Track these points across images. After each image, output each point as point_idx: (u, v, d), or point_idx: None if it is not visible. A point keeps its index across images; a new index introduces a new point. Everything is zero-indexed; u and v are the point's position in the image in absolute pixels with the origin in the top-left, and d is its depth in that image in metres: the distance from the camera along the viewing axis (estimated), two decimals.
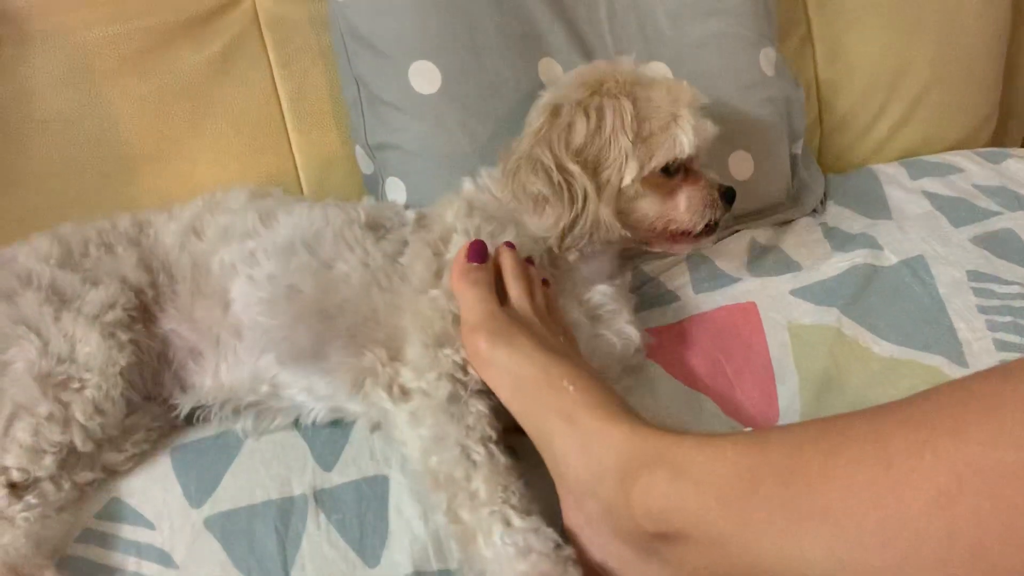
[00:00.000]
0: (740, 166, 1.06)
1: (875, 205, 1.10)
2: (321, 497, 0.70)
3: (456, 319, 0.72)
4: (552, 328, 0.73)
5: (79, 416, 0.69)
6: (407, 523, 0.68)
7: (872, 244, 0.97)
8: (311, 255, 0.81)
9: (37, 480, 0.68)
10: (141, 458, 0.75)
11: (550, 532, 0.61)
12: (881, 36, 1.24)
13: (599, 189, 0.83)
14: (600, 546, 0.61)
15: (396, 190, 1.01)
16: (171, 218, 0.86)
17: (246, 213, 0.85)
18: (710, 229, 0.89)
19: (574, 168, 0.82)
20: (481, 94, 0.98)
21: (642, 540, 0.57)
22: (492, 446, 0.66)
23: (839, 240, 1.02)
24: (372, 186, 1.06)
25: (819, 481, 0.47)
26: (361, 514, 0.69)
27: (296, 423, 0.78)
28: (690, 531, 0.53)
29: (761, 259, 1.00)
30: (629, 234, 0.86)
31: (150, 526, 0.69)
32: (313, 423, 0.77)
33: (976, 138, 1.33)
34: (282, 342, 0.77)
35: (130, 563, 0.67)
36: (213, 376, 0.79)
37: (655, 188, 0.86)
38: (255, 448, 0.75)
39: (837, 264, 0.95)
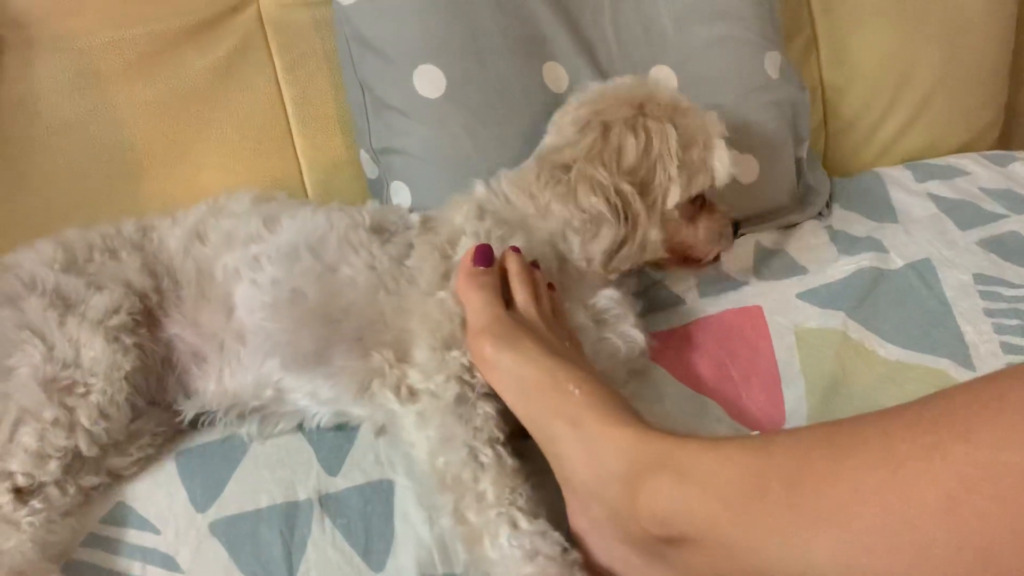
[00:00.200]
0: (745, 169, 1.05)
1: (881, 208, 1.10)
2: (326, 502, 0.70)
3: (464, 321, 0.72)
4: (558, 332, 0.72)
5: (84, 421, 0.69)
6: (412, 528, 0.68)
7: (878, 247, 0.97)
8: (315, 259, 0.81)
9: (42, 485, 0.68)
10: (146, 463, 0.75)
11: (557, 536, 0.61)
12: (886, 39, 1.24)
13: (647, 211, 0.84)
14: (606, 550, 0.60)
15: (400, 194, 1.01)
16: (175, 223, 0.86)
17: (250, 217, 0.85)
18: (716, 257, 0.92)
19: (628, 189, 0.83)
20: (486, 98, 0.98)
21: (648, 544, 0.57)
22: (499, 448, 0.66)
23: (845, 243, 1.02)
24: (377, 190, 1.06)
25: (826, 485, 0.46)
26: (366, 519, 0.69)
27: (301, 427, 0.77)
28: (696, 535, 0.53)
29: (767, 263, 1.00)
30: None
31: (155, 531, 0.69)
32: (318, 427, 0.77)
33: (982, 141, 1.32)
34: (286, 347, 0.77)
35: (135, 568, 0.67)
36: (217, 381, 0.78)
37: (681, 213, 0.88)
38: (260, 453, 0.75)
39: (843, 267, 0.95)
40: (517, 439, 0.68)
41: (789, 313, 0.89)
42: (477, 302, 0.71)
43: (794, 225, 1.11)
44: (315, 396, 0.76)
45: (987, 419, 0.42)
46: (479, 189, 0.90)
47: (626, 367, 0.82)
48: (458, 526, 0.64)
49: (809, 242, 1.04)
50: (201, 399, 0.78)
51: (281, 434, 0.77)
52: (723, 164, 0.86)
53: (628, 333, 0.82)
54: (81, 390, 0.70)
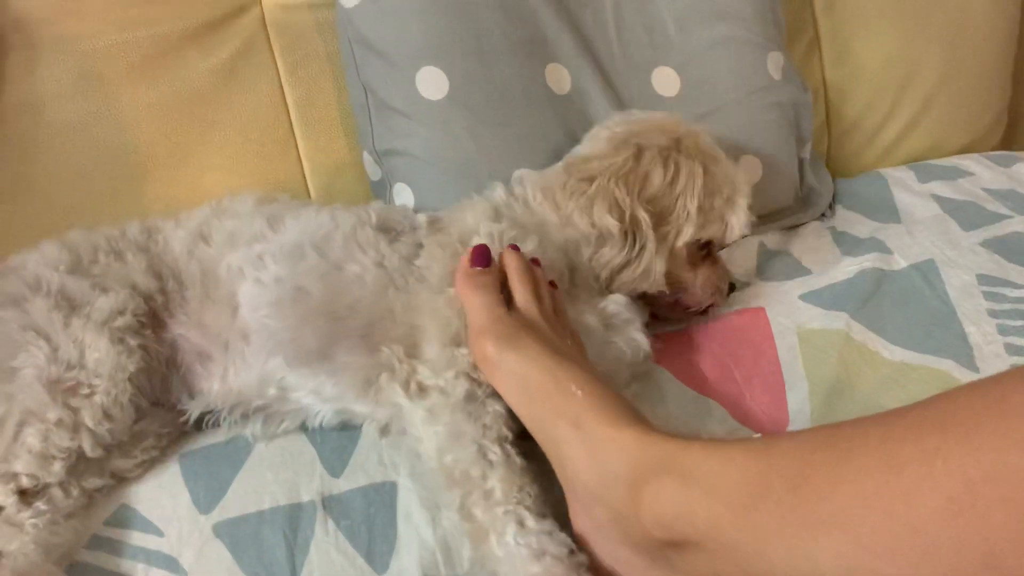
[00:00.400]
0: (748, 170, 1.05)
1: (884, 209, 1.10)
2: (329, 503, 0.70)
3: None
4: (559, 331, 0.72)
5: (88, 422, 0.69)
6: (416, 529, 0.68)
7: (881, 248, 0.97)
8: (320, 257, 0.81)
9: (46, 486, 0.68)
10: (150, 465, 0.75)
11: (564, 536, 0.61)
12: (889, 40, 1.24)
13: (658, 241, 0.84)
14: (609, 552, 0.60)
15: (403, 196, 1.01)
16: (179, 225, 0.87)
17: (253, 217, 0.85)
18: (705, 310, 0.91)
19: (644, 217, 0.83)
20: (488, 100, 0.98)
21: (651, 547, 0.57)
22: (508, 447, 0.66)
23: (848, 244, 1.02)
24: (380, 192, 1.06)
25: (829, 488, 0.46)
26: (369, 520, 0.69)
27: (304, 428, 0.78)
28: (700, 538, 0.53)
29: (770, 264, 1.00)
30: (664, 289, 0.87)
31: (159, 533, 0.69)
32: (320, 425, 0.77)
33: (985, 141, 1.32)
34: (289, 344, 0.77)
35: (139, 570, 0.67)
36: (221, 380, 0.79)
37: (685, 256, 0.88)
38: (263, 454, 0.75)
39: (846, 268, 0.94)
40: (525, 439, 0.68)
41: (792, 314, 0.88)
42: (477, 303, 0.72)
43: (797, 226, 1.11)
44: (318, 393, 0.76)
45: (989, 422, 0.42)
46: (497, 192, 0.90)
47: (630, 370, 0.82)
48: (464, 523, 0.64)
49: (812, 243, 1.04)
50: (206, 398, 0.78)
51: (285, 434, 0.77)
52: (739, 222, 0.88)
53: (634, 338, 0.82)
54: (85, 391, 0.70)
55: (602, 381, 0.65)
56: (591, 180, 0.85)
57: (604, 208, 0.83)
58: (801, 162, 1.13)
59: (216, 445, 0.76)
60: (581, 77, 1.03)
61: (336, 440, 0.76)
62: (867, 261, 0.94)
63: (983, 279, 0.89)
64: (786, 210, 1.11)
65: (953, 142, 1.29)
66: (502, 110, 0.99)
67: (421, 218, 0.89)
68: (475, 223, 0.84)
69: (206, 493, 0.71)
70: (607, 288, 0.85)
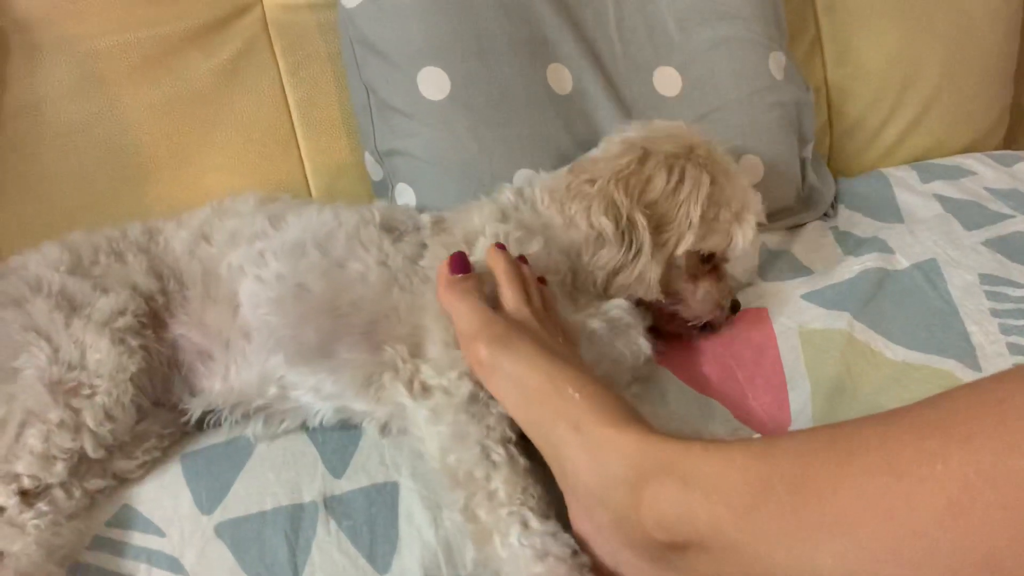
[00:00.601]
0: (750, 170, 1.05)
1: (886, 209, 1.10)
2: (331, 504, 0.70)
3: None
4: (550, 329, 0.72)
5: (90, 422, 0.69)
6: (417, 530, 0.68)
7: (883, 248, 0.97)
8: (322, 255, 0.81)
9: (48, 487, 0.68)
10: (152, 465, 0.75)
11: (567, 537, 0.61)
12: (891, 39, 1.24)
13: (654, 247, 0.83)
14: (610, 554, 0.60)
15: (405, 196, 1.01)
16: (180, 225, 0.87)
17: (255, 216, 0.85)
18: (704, 327, 0.88)
19: (641, 221, 0.82)
20: (490, 100, 0.98)
21: (653, 549, 0.57)
22: (511, 447, 0.66)
23: (850, 244, 1.02)
24: (381, 192, 1.06)
25: (829, 490, 0.46)
26: (371, 521, 0.69)
27: (306, 428, 0.78)
28: (702, 540, 0.53)
29: (772, 263, 1.00)
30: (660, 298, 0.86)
31: (160, 533, 0.69)
32: (320, 424, 0.77)
33: (988, 141, 1.32)
34: (290, 341, 0.77)
35: (140, 570, 0.67)
36: (222, 379, 0.79)
37: (688, 267, 0.87)
38: (265, 455, 0.75)
39: (848, 268, 0.94)
40: (528, 440, 0.68)
41: (794, 314, 0.88)
42: (463, 309, 0.71)
43: (799, 226, 1.11)
44: (318, 391, 0.76)
45: (989, 424, 0.41)
46: (505, 194, 0.89)
47: (631, 373, 0.81)
48: (468, 524, 0.64)
49: (814, 243, 1.04)
50: (207, 398, 0.79)
51: (285, 433, 0.77)
52: (744, 239, 0.86)
53: (636, 342, 0.81)
54: (87, 392, 0.70)
55: (599, 381, 0.65)
56: (593, 181, 0.85)
57: (601, 209, 0.83)
58: (803, 162, 1.13)
59: (218, 445, 0.76)
60: (582, 77, 1.03)
61: (338, 440, 0.76)
62: (869, 261, 0.94)
63: (985, 279, 0.88)
64: (788, 210, 1.11)
65: (955, 141, 1.29)
66: (503, 110, 0.99)
67: (425, 218, 0.89)
68: (481, 224, 0.83)
69: (208, 493, 0.71)
70: (604, 292, 0.85)
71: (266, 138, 1.06)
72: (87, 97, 0.99)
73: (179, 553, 0.68)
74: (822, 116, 1.26)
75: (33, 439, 0.67)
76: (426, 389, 0.72)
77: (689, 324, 0.88)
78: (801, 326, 0.87)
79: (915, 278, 0.91)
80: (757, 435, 0.79)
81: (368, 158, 1.06)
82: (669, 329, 0.89)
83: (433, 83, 0.97)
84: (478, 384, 0.69)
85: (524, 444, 0.67)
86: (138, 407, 0.74)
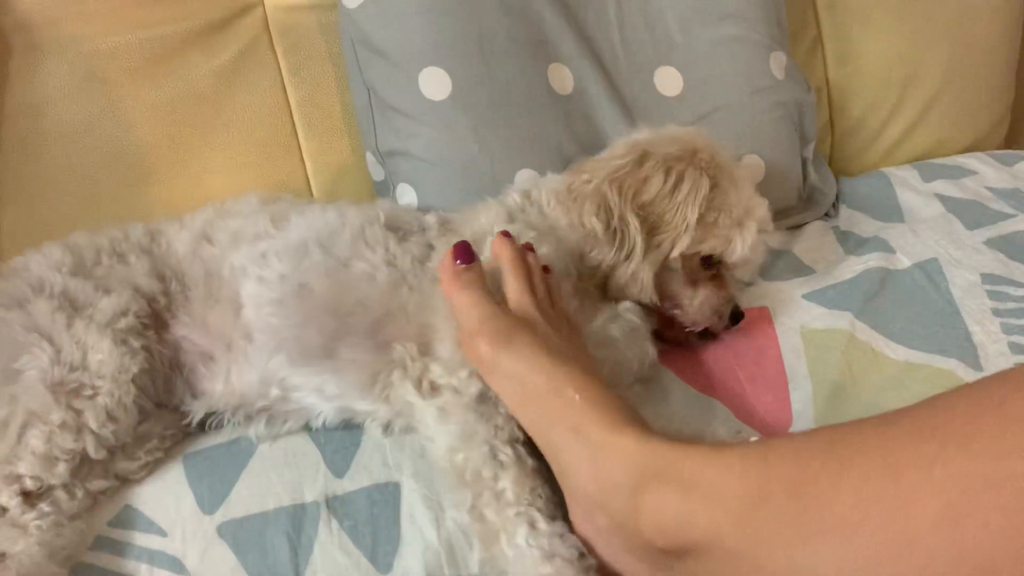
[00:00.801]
0: (751, 170, 1.05)
1: (887, 208, 1.10)
2: (333, 504, 0.70)
3: None
4: (554, 322, 0.71)
5: (92, 424, 0.69)
6: (419, 530, 0.68)
7: (885, 247, 0.97)
8: (326, 254, 0.81)
9: (50, 488, 0.68)
10: (154, 466, 0.75)
11: (574, 539, 0.61)
12: (892, 39, 1.23)
13: (647, 249, 0.83)
14: (611, 556, 0.60)
15: (407, 196, 1.01)
16: (182, 226, 0.87)
17: (257, 217, 0.85)
18: (704, 334, 0.87)
19: (633, 221, 0.82)
20: (491, 100, 0.98)
21: (652, 555, 0.57)
22: (520, 447, 0.66)
23: (852, 243, 1.02)
24: (383, 193, 1.06)
25: (828, 495, 0.46)
26: (373, 521, 0.69)
27: (308, 428, 0.78)
28: (701, 547, 0.53)
29: (773, 263, 1.00)
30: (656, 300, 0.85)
31: (162, 533, 0.69)
32: (323, 425, 0.77)
33: (989, 140, 1.32)
34: (292, 341, 0.77)
35: (143, 570, 0.67)
36: (224, 381, 0.79)
37: (685, 271, 0.86)
38: (267, 455, 0.75)
39: (850, 268, 0.94)
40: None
41: (796, 314, 0.88)
42: (465, 302, 0.70)
43: (801, 225, 1.11)
44: (321, 392, 0.76)
45: (988, 427, 0.41)
46: (512, 196, 0.89)
47: (635, 376, 0.81)
48: (475, 524, 0.64)
49: (816, 242, 1.04)
50: (209, 400, 0.79)
51: (288, 434, 0.77)
52: (744, 245, 0.86)
53: (643, 347, 0.81)
54: (88, 393, 0.70)
55: (600, 381, 0.64)
56: (590, 182, 0.85)
57: (592, 209, 0.83)
58: (804, 161, 1.13)
59: (220, 446, 0.76)
60: (584, 77, 1.03)
61: (340, 440, 0.76)
62: (871, 260, 0.94)
63: (987, 278, 0.88)
64: (789, 210, 1.11)
65: (957, 141, 1.29)
66: (505, 110, 0.99)
67: (430, 219, 0.89)
68: (488, 225, 0.83)
69: (210, 494, 0.71)
70: (604, 295, 0.85)
71: (267, 139, 1.06)
72: (89, 98, 0.99)
73: (181, 553, 0.68)
74: (823, 116, 1.26)
75: (35, 440, 0.67)
76: (435, 388, 0.72)
77: (687, 330, 0.87)
78: (803, 326, 0.86)
79: (917, 278, 0.91)
80: (758, 436, 0.79)
81: (369, 158, 1.06)
82: (668, 335, 0.88)
83: (434, 83, 0.97)
84: (487, 383, 0.69)
85: (532, 444, 0.67)
86: (140, 408, 0.74)
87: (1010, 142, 1.38)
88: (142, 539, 0.69)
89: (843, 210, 1.14)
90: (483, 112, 0.98)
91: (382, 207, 0.89)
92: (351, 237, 0.82)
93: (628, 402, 0.64)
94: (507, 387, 0.66)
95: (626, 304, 0.83)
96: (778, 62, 1.09)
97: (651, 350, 0.82)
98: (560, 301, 0.77)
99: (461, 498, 0.66)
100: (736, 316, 0.87)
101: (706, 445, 0.56)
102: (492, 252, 0.76)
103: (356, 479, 0.72)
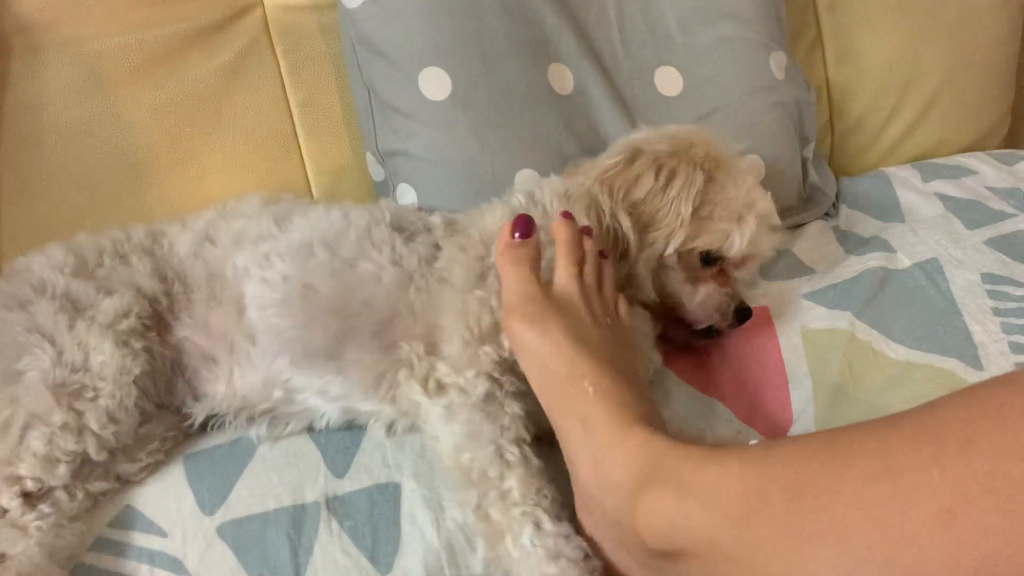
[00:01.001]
0: (753, 165, 1.05)
1: (888, 208, 1.10)
2: (333, 504, 0.70)
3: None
4: (596, 310, 0.71)
5: (93, 425, 0.70)
6: (420, 531, 0.68)
7: (885, 247, 0.97)
8: (331, 254, 0.81)
9: (51, 489, 0.68)
10: (155, 467, 0.75)
11: (579, 540, 0.61)
12: (893, 39, 1.23)
13: (642, 247, 0.83)
14: (609, 549, 0.61)
15: (407, 196, 1.01)
16: (185, 227, 0.87)
17: (260, 217, 0.85)
18: (710, 332, 0.86)
19: (624, 220, 0.82)
20: (491, 100, 0.98)
21: (645, 556, 0.57)
22: (526, 447, 0.66)
23: (852, 243, 1.02)
24: (383, 193, 1.06)
25: (826, 498, 0.46)
26: (373, 521, 0.69)
27: (309, 429, 0.78)
28: (695, 550, 0.53)
29: (773, 263, 0.99)
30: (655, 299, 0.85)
31: (163, 534, 0.69)
32: (326, 426, 0.77)
33: (989, 140, 1.32)
34: (296, 343, 0.77)
35: (143, 571, 0.67)
36: (227, 383, 0.79)
37: (686, 268, 0.85)
38: (267, 456, 0.75)
39: (850, 267, 0.94)
40: (542, 441, 0.69)
41: (796, 314, 0.88)
42: (511, 278, 0.70)
43: (801, 225, 1.11)
44: (324, 393, 0.77)
45: (986, 430, 0.41)
46: (516, 197, 0.89)
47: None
48: (480, 523, 0.65)
49: (816, 242, 1.04)
50: (211, 402, 0.79)
51: (290, 435, 0.77)
52: (742, 239, 0.84)
53: (649, 356, 0.81)
54: (90, 394, 0.70)
55: (617, 378, 0.65)
56: (584, 183, 0.85)
57: (582, 210, 0.83)
58: (804, 161, 1.13)
59: (220, 446, 0.77)
60: (584, 77, 1.03)
61: (340, 441, 0.76)
62: (871, 260, 0.94)
63: (987, 278, 0.88)
64: (790, 210, 1.11)
65: (957, 140, 1.29)
66: (505, 110, 0.99)
67: (436, 220, 0.89)
68: (495, 226, 0.83)
69: (210, 494, 0.71)
70: None
71: (267, 139, 1.06)
72: (89, 98, 0.99)
73: (181, 554, 0.68)
74: (823, 115, 1.26)
75: (36, 441, 0.67)
76: (441, 387, 0.72)
77: (692, 329, 0.86)
78: (803, 326, 0.86)
79: (917, 277, 0.90)
80: (759, 437, 0.79)
81: (369, 159, 1.06)
82: (673, 335, 0.88)
83: (434, 83, 0.97)
84: (495, 383, 0.70)
85: (538, 444, 0.68)
86: (141, 410, 0.74)
87: (1010, 142, 1.38)
88: (142, 540, 0.69)
89: (843, 210, 1.14)
90: (483, 112, 0.98)
91: (387, 207, 0.89)
92: (356, 237, 0.82)
93: (646, 400, 0.65)
94: (532, 367, 0.67)
95: (634, 308, 0.83)
96: (778, 62, 1.09)
97: (656, 358, 0.82)
98: (610, 289, 0.76)
99: (466, 498, 0.66)
100: (742, 314, 0.85)
101: (706, 447, 0.57)
102: (551, 232, 0.75)
103: (356, 479, 0.72)
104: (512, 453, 0.65)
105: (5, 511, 0.66)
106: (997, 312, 0.84)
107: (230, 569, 0.66)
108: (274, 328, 0.78)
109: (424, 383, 0.73)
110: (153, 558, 0.68)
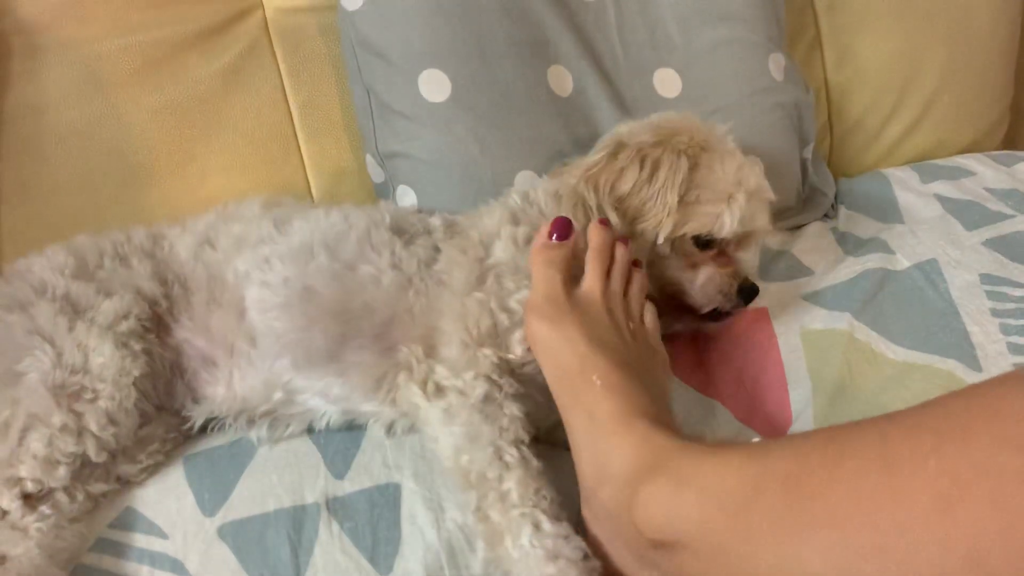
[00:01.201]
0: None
1: (887, 209, 1.10)
2: (333, 505, 0.70)
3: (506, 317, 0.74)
4: (618, 315, 0.73)
5: (93, 427, 0.70)
6: (420, 531, 0.68)
7: (884, 248, 0.97)
8: (331, 257, 0.81)
9: (51, 491, 0.68)
10: (155, 468, 0.75)
11: (579, 541, 0.62)
12: (891, 40, 1.24)
13: (632, 240, 0.82)
14: (607, 541, 0.62)
15: (407, 198, 1.01)
16: (185, 230, 0.87)
17: (260, 221, 0.85)
18: (717, 315, 0.85)
19: (612, 215, 0.82)
20: (491, 102, 0.98)
21: (642, 548, 0.58)
22: (525, 449, 0.67)
23: (851, 244, 1.02)
24: (383, 195, 1.06)
25: (822, 488, 0.46)
26: (373, 522, 0.69)
27: (309, 430, 0.78)
28: (690, 540, 0.53)
29: (772, 264, 1.00)
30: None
31: (163, 535, 0.69)
32: (327, 427, 0.77)
33: (988, 141, 1.32)
34: (297, 345, 0.77)
35: (143, 572, 0.67)
36: (227, 385, 0.79)
37: (682, 255, 0.85)
38: (267, 457, 0.75)
39: (849, 268, 0.94)
40: (541, 442, 0.69)
41: (795, 315, 0.88)
42: (539, 276, 0.73)
43: (800, 226, 1.11)
44: (325, 395, 0.77)
45: (983, 422, 0.42)
46: (513, 197, 0.89)
47: None
48: (480, 524, 0.65)
49: (815, 243, 1.04)
50: (210, 405, 0.79)
51: (291, 437, 0.77)
52: (732, 218, 0.82)
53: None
54: (90, 396, 0.71)
55: (626, 375, 0.66)
56: (570, 182, 0.85)
57: (569, 208, 0.83)
58: (803, 162, 1.13)
59: (220, 447, 0.77)
60: (583, 79, 1.03)
61: (340, 442, 0.76)
62: (870, 261, 0.94)
63: (986, 279, 0.88)
64: (789, 211, 1.11)
65: (956, 142, 1.29)
66: (504, 112, 0.99)
67: (435, 221, 0.89)
68: (496, 227, 0.83)
69: (211, 495, 0.71)
70: None
71: (267, 141, 1.06)
72: (89, 100, 0.99)
73: (182, 555, 0.68)
74: (822, 117, 1.26)
75: (36, 443, 0.67)
76: (440, 389, 0.72)
77: (697, 314, 0.85)
78: (802, 326, 0.87)
79: (916, 278, 0.91)
80: (759, 437, 0.79)
81: (369, 160, 1.06)
82: (681, 323, 0.87)
83: (434, 85, 0.98)
84: (494, 385, 0.70)
85: (537, 446, 0.68)
86: (141, 412, 0.74)
87: (1009, 143, 1.38)
88: (143, 541, 0.69)
89: (842, 211, 1.14)
90: (483, 114, 0.98)
91: (387, 209, 0.89)
92: (357, 240, 0.82)
93: (659, 402, 0.66)
94: (547, 362, 0.69)
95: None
96: (777, 63, 1.09)
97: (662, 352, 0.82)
98: (638, 297, 0.77)
99: (466, 499, 0.66)
100: (747, 292, 0.84)
101: (707, 443, 0.58)
102: (588, 237, 0.77)
103: (356, 480, 0.72)
104: (511, 454, 0.66)
105: (5, 513, 0.66)
106: (996, 313, 0.84)
107: (230, 570, 0.67)
108: (275, 330, 0.78)
109: (423, 386, 0.73)
110: (154, 559, 0.68)
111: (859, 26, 1.24)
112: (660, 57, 1.07)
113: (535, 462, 0.66)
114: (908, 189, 1.13)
